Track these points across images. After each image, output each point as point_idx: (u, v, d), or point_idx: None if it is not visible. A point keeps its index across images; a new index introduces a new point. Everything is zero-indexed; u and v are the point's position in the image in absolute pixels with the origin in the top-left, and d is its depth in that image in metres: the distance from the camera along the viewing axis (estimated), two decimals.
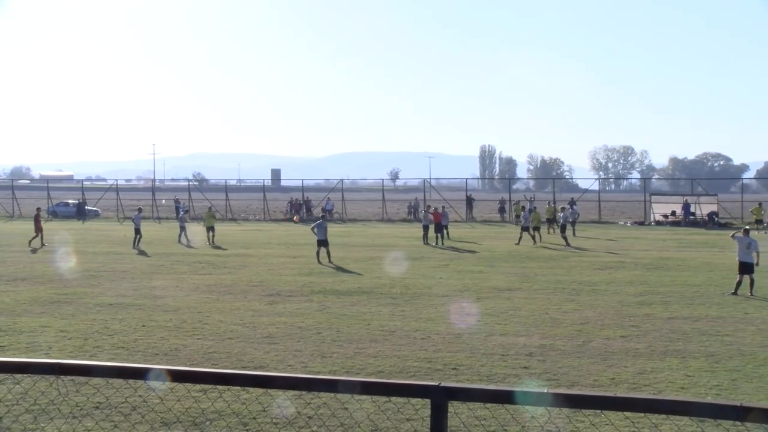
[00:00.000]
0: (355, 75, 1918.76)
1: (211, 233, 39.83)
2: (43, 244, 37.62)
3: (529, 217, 40.98)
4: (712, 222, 56.49)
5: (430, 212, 42.56)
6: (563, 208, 44.52)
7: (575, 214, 46.23)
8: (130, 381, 4.47)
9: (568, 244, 38.31)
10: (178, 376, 4.22)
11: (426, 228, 41.38)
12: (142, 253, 34.98)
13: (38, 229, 38.56)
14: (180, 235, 40.75)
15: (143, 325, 17.10)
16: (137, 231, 38.47)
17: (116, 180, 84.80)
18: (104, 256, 33.19)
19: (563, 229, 40.57)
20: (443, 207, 46.52)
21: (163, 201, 79.61)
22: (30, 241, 37.91)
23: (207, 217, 41.19)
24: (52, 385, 9.97)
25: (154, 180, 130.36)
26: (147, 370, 4.09)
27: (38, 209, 42.36)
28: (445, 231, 41.54)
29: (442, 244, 39.66)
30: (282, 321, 17.63)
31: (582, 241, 41.30)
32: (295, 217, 34.10)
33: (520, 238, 40.11)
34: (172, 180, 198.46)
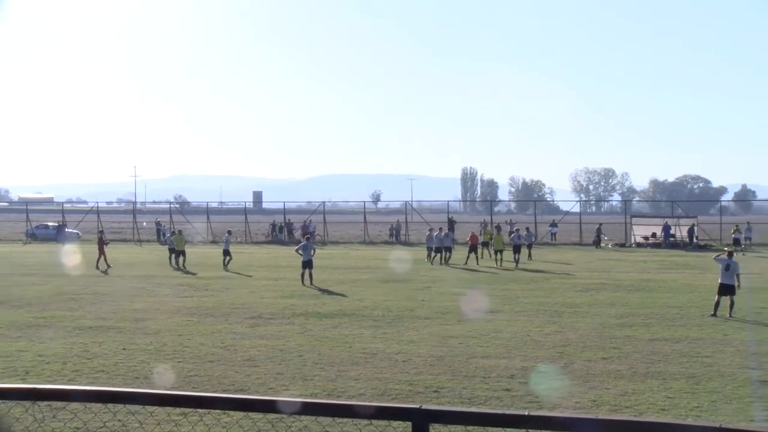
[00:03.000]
0: (337, 97, 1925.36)
1: (181, 257, 39.35)
2: (108, 266, 38.12)
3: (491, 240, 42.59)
4: (692, 239, 56.87)
5: (436, 234, 43.91)
6: (514, 231, 45.28)
7: (531, 237, 46.39)
8: (110, 405, 4.44)
9: (516, 265, 39.52)
10: (158, 400, 4.19)
11: (429, 249, 42.86)
12: (236, 273, 35.75)
13: (101, 251, 39.40)
14: (170, 258, 40.50)
15: (124, 349, 16.98)
16: (226, 252, 38.97)
17: (97, 202, 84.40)
18: (85, 278, 32.98)
19: (516, 249, 41.17)
20: (517, 229, 47.09)
21: (144, 224, 79.34)
22: (97, 265, 38.52)
23: (177, 240, 40.52)
24: (27, 411, 9.82)
25: (135, 202, 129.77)
26: (126, 394, 4.06)
27: (101, 232, 43.74)
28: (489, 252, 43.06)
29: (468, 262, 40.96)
30: (263, 344, 17.55)
31: (562, 264, 41.42)
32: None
33: (498, 259, 40.73)
34: (154, 202, 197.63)
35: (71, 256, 40.81)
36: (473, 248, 42.27)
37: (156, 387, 13.38)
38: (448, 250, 42.30)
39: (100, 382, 13.76)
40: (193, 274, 35.58)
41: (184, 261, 38.98)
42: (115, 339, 18.17)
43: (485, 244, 45.71)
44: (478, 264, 40.55)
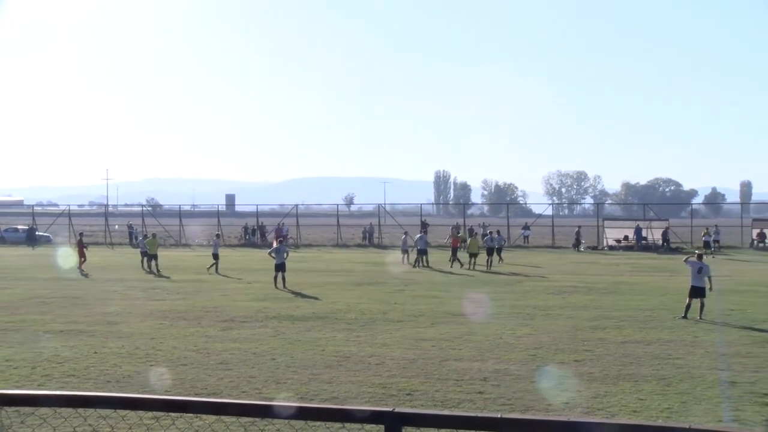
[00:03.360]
0: (310, 100, 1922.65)
1: (153, 261, 38.96)
2: (81, 269, 38.35)
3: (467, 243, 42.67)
4: (666, 242, 57.33)
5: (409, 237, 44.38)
6: (487, 234, 45.50)
7: (501, 240, 46.65)
8: (80, 410, 4.40)
9: (488, 267, 40.00)
10: (129, 404, 4.16)
11: (420, 251, 42.59)
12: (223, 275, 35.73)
13: (80, 254, 39.97)
14: (143, 261, 40.22)
15: (95, 352, 16.85)
16: (216, 256, 38.57)
17: (68, 205, 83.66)
18: (56, 282, 32.71)
19: (489, 252, 41.41)
20: (491, 232, 47.05)
21: (116, 227, 78.70)
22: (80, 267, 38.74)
23: (150, 244, 40.06)
24: None
25: (107, 205, 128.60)
26: (97, 398, 4.03)
27: (80, 234, 44.46)
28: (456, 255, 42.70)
29: (462, 266, 41.01)
30: (236, 347, 17.48)
31: (535, 267, 41.61)
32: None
33: (470, 262, 40.90)
34: (126, 205, 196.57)
35: (47, 258, 40.56)
36: (455, 251, 42.47)
37: (128, 391, 13.29)
38: (424, 252, 42.37)
39: (71, 386, 13.63)
40: (167, 277, 35.35)
41: (156, 264, 38.67)
42: (87, 343, 18.02)
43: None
44: (452, 267, 40.63)
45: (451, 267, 40.84)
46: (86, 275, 36.47)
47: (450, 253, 43.35)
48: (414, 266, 41.36)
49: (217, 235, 43.57)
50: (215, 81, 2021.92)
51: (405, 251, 44.41)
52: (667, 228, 59.39)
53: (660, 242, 58.29)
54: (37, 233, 70.91)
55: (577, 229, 61.67)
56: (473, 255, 41.16)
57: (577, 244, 59.83)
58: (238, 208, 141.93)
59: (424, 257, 41.93)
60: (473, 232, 58.19)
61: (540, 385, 13.78)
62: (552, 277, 35.19)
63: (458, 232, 61.52)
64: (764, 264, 44.27)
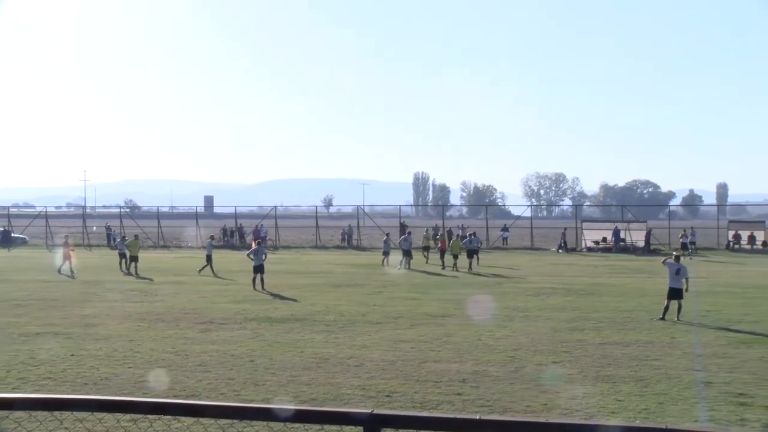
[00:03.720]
0: (289, 102, 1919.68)
1: (134, 263, 38.64)
2: (59, 272, 37.85)
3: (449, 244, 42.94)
4: (648, 244, 57.66)
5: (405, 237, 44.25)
6: (467, 236, 45.51)
7: (477, 242, 46.74)
8: (56, 413, 4.37)
9: (469, 269, 40.12)
10: (107, 406, 4.14)
11: (405, 252, 42.69)
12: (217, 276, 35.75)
13: (66, 257, 39.21)
14: (121, 263, 40.01)
15: (72, 355, 16.74)
16: (209, 258, 38.19)
17: (45, 207, 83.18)
18: (32, 284, 32.48)
19: (470, 254, 41.52)
20: (470, 234, 46.85)
21: (94, 228, 78.35)
22: (71, 270, 38.15)
23: (132, 245, 39.76)
24: None
25: (84, 207, 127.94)
26: (73, 400, 4.00)
27: (66, 237, 43.85)
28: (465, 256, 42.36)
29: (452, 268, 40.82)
30: (215, 349, 17.43)
31: (514, 268, 41.75)
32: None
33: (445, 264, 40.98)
34: (104, 207, 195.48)
35: (23, 260, 40.22)
36: (443, 253, 42.58)
37: (106, 393, 13.20)
38: (407, 254, 42.41)
39: (47, 389, 13.55)
40: (149, 279, 35.13)
41: (136, 266, 38.40)
42: (64, 345, 17.91)
43: (426, 249, 46.31)
44: (443, 269, 40.55)
45: (443, 269, 40.81)
46: (73, 277, 36.34)
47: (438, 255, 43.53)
48: (400, 268, 41.37)
49: (212, 237, 43.44)
50: (193, 82, 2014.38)
51: (386, 253, 44.44)
52: (650, 230, 59.86)
53: (641, 244, 58.66)
54: (12, 235, 70.29)
55: (563, 231, 61.84)
56: (456, 256, 41.27)
57: (563, 245, 59.84)
58: (216, 210, 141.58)
59: (408, 258, 42.03)
60: (451, 233, 58.37)
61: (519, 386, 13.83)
62: (531, 279, 35.31)
63: (436, 234, 61.72)
64: (739, 265, 44.63)
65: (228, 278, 35.18)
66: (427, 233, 51.05)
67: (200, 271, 37.54)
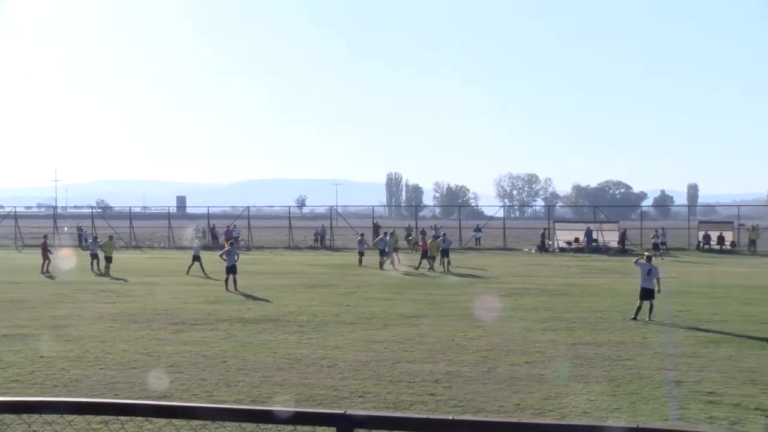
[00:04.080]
0: (261, 101, 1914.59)
1: (107, 264, 38.27)
2: (43, 272, 38.01)
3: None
4: (623, 244, 58.04)
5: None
6: (440, 236, 45.53)
7: (448, 242, 46.84)
8: (24, 416, 4.33)
9: (446, 269, 40.36)
10: (77, 408, 4.10)
11: (382, 252, 42.55)
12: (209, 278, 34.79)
13: (45, 257, 39.47)
14: (92, 264, 39.74)
15: (41, 357, 16.58)
16: (196, 258, 37.87)
17: (14, 207, 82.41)
18: (1, 285, 32.15)
19: (444, 254, 41.54)
20: (444, 234, 46.63)
21: (66, 229, 77.68)
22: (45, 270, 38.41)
23: (107, 246, 39.44)
24: None
25: (55, 207, 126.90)
26: (43, 403, 3.96)
27: (45, 237, 43.65)
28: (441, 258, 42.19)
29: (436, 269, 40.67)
30: (187, 350, 17.35)
31: (487, 269, 41.86)
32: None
33: (429, 264, 40.98)
34: (75, 207, 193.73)
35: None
36: (425, 254, 42.54)
37: (76, 395, 13.09)
38: (383, 254, 42.40)
39: (15, 392, 13.36)
40: (124, 280, 34.80)
41: (108, 267, 37.97)
42: (33, 347, 17.73)
43: (395, 250, 46.29)
44: (428, 271, 40.42)
45: (428, 270, 40.72)
46: (52, 277, 36.20)
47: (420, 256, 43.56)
48: (394, 268, 41.43)
49: (199, 237, 43.27)
50: (165, 81, 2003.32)
51: (361, 253, 44.58)
52: (624, 231, 60.34)
53: (613, 244, 59.07)
54: None
55: (542, 232, 62.03)
56: (433, 258, 41.33)
57: (542, 245, 59.99)
58: (189, 210, 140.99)
59: (385, 258, 42.05)
60: (424, 233, 58.33)
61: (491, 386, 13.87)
62: (503, 279, 35.44)
63: (409, 235, 61.80)
64: (709, 265, 45.02)
65: (200, 279, 35.01)
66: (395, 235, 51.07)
67: (187, 271, 37.47)
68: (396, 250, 44.43)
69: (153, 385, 14.09)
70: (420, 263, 41.88)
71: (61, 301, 26.71)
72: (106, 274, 37.05)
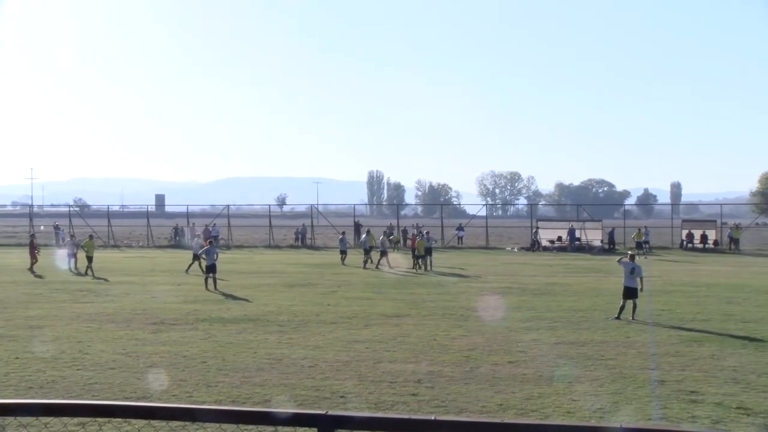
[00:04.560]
0: (241, 99, 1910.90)
1: (90, 263, 37.79)
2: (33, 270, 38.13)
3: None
4: (612, 244, 58.13)
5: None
6: (423, 235, 45.46)
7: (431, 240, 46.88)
8: None
9: (428, 268, 40.30)
10: (53, 410, 4.07)
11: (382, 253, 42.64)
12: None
13: (32, 256, 39.61)
14: (69, 262, 39.52)
15: (17, 358, 16.46)
16: (196, 257, 37.63)
17: None
18: None
19: (428, 252, 41.35)
20: (427, 232, 46.42)
21: (42, 227, 77.27)
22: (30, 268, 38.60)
23: (88, 245, 39.00)
24: None
25: (31, 206, 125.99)
26: (17, 405, 3.93)
27: (32, 236, 43.75)
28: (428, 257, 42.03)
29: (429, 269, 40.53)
30: (166, 350, 17.28)
31: (469, 268, 41.92)
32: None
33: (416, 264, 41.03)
34: (52, 206, 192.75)
35: None
36: (414, 252, 42.51)
37: (52, 396, 13.01)
38: (366, 252, 42.38)
39: None
40: (106, 280, 34.47)
41: (89, 267, 37.57)
42: (7, 348, 17.60)
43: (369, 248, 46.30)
44: (417, 270, 40.36)
45: (414, 269, 40.70)
46: (39, 276, 36.07)
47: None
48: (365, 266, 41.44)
49: (198, 236, 43.18)
50: (143, 79, 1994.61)
51: (343, 252, 44.66)
52: (612, 230, 60.62)
53: (596, 243, 59.32)
54: None
55: (535, 230, 62.12)
56: (423, 257, 41.13)
57: (536, 243, 60.06)
58: (168, 209, 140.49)
59: (369, 257, 42.05)
60: (406, 232, 58.45)
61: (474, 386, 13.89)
62: (485, 278, 35.51)
63: (390, 234, 61.78)
64: (692, 264, 45.28)
65: (179, 278, 34.88)
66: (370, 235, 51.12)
67: (187, 270, 37.58)
68: (371, 249, 43.90)
69: (152, 385, 14.03)
70: (416, 264, 41.39)
71: (37, 301, 26.53)
72: (87, 273, 36.71)
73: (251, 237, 73.67)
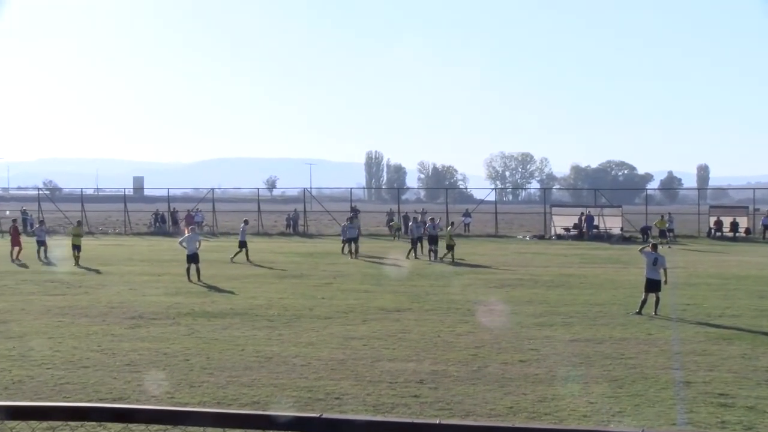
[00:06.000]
0: (229, 73, 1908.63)
1: (77, 252, 37.51)
2: (17, 259, 38.66)
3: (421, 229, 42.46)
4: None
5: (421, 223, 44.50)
6: (429, 221, 45.30)
7: (420, 229, 46.66)
8: None
9: (434, 258, 40.23)
10: (19, 413, 4.07)
11: (414, 241, 42.52)
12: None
13: (16, 243, 39.86)
14: (39, 251, 39.53)
15: None
16: (243, 244, 39.25)
17: None
18: None
19: (432, 241, 41.24)
20: (431, 219, 46.28)
21: (8, 212, 77.12)
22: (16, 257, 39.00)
23: (75, 232, 38.65)
24: None
25: None
26: None
27: (14, 221, 43.73)
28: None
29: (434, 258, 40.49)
30: (145, 347, 17.31)
31: (476, 257, 41.95)
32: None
33: (411, 250, 41.00)
34: (19, 189, 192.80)
35: None
36: (420, 239, 42.42)
37: (19, 398, 13.04)
38: (354, 240, 42.27)
39: None
40: (97, 271, 34.31)
41: (77, 256, 37.32)
42: None
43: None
44: (411, 258, 40.42)
45: (415, 257, 40.92)
46: (24, 265, 36.37)
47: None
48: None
49: (246, 221, 43.41)
50: (120, 53, 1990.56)
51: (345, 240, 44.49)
52: (647, 226, 59.79)
53: (615, 230, 59.12)
54: None
55: (587, 215, 61.75)
56: (451, 247, 40.89)
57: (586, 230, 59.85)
58: (147, 192, 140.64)
59: (354, 245, 41.94)
60: (407, 219, 58.46)
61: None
62: (494, 269, 35.52)
63: (391, 220, 61.85)
64: (720, 254, 45.27)
65: (159, 269, 34.90)
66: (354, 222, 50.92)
67: (233, 258, 38.50)
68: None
69: (129, 386, 14.06)
70: (436, 252, 40.93)
71: (2, 293, 26.56)
72: (78, 264, 36.42)
73: (238, 223, 73.39)
